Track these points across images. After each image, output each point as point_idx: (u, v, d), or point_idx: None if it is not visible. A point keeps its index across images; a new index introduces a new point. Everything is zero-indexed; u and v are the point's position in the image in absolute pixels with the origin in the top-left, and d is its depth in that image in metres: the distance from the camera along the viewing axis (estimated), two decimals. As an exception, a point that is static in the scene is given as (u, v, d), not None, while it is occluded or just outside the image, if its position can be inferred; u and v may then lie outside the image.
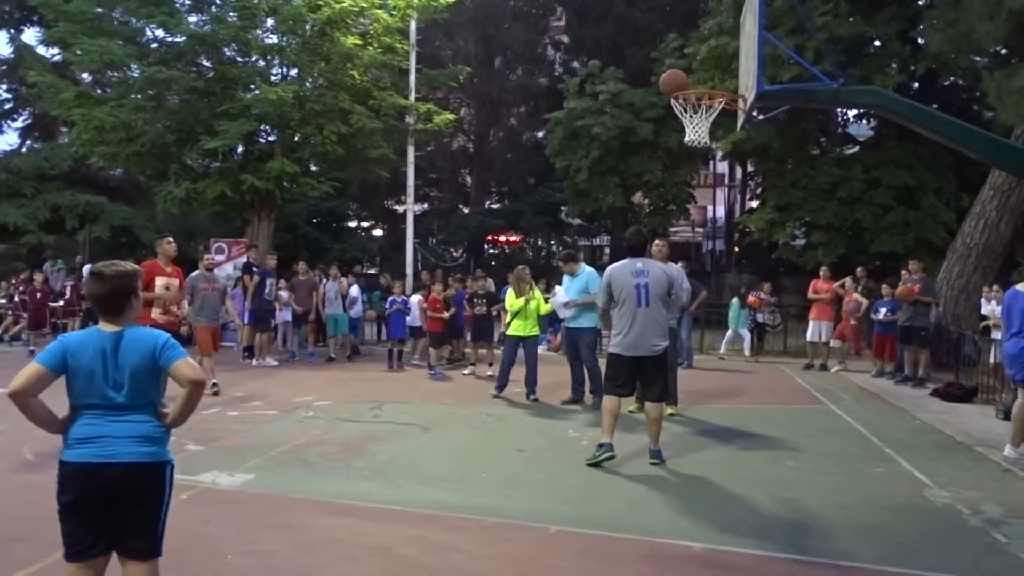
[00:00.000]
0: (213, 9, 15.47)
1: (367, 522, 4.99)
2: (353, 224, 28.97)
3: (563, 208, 25.64)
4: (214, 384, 9.67)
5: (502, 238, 28.13)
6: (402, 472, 6.18)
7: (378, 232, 29.78)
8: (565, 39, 28.15)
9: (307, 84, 15.86)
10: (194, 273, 9.94)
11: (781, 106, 10.28)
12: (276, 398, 9.56)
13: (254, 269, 12.88)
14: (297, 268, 14.12)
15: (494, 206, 28.99)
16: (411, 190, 17.34)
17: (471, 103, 28.27)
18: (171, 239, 8.44)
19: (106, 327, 3.09)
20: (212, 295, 9.95)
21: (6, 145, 27.42)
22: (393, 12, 16.03)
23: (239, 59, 16.00)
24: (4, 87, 25.65)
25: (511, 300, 9.80)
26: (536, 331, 9.92)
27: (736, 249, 27.30)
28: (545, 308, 9.98)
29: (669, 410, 8.55)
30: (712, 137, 18.01)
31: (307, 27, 15.31)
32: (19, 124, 26.78)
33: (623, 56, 23.15)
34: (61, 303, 16.40)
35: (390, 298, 13.00)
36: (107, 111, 14.06)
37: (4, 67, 24.65)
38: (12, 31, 24.19)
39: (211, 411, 8.69)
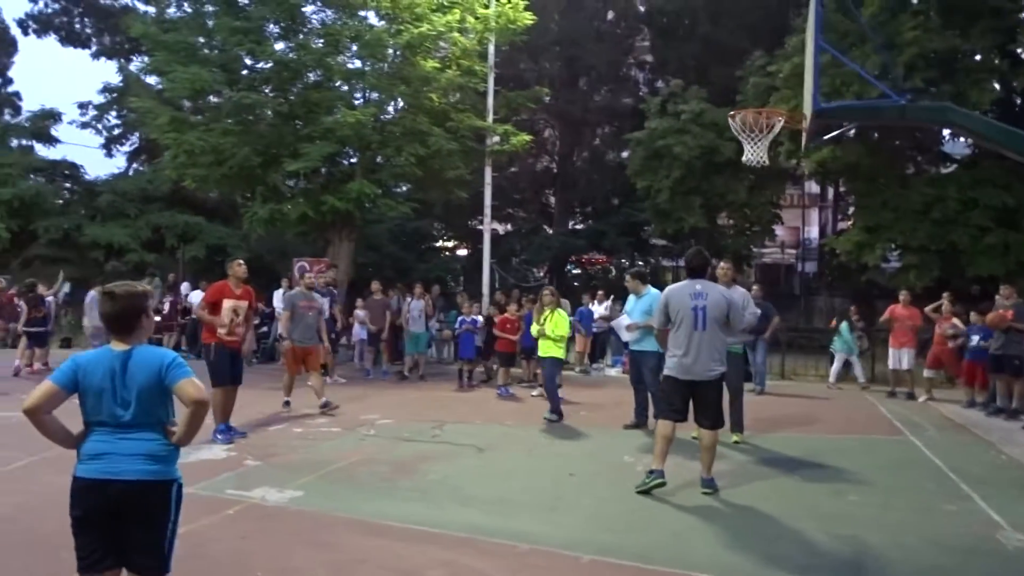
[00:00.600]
0: (300, 36, 15.92)
1: (401, 544, 4.98)
2: (437, 244, 29.34)
3: (646, 229, 25.33)
4: (286, 402, 9.85)
5: (585, 258, 28.02)
6: (447, 493, 6.16)
7: (462, 252, 30.06)
8: (650, 59, 27.94)
9: (387, 107, 16.18)
10: (294, 290, 10.06)
11: (847, 124, 9.88)
12: (342, 416, 9.70)
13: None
14: (372, 287, 14.35)
15: (577, 227, 28.88)
16: (488, 210, 17.45)
17: (555, 124, 28.32)
18: (241, 262, 8.61)
19: (116, 346, 3.18)
20: (310, 313, 10.00)
21: (115, 168, 29.09)
22: (471, 35, 16.24)
23: (324, 83, 16.47)
24: (114, 113, 27.13)
25: (534, 326, 10.14)
26: (552, 351, 9.91)
27: (827, 272, 26.40)
28: (559, 329, 9.90)
29: (734, 437, 8.30)
30: (794, 156, 17.63)
31: (388, 52, 15.65)
32: (127, 148, 28.34)
33: (707, 75, 22.79)
34: (158, 318, 17.21)
35: (460, 318, 13.07)
36: (197, 135, 14.72)
37: (114, 94, 26.09)
38: (121, 60, 25.63)
39: (277, 427, 8.91)
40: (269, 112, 15.27)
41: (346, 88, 16.04)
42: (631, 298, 9.33)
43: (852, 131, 15.61)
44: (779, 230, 28.92)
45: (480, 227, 29.75)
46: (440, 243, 30.01)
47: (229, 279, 8.42)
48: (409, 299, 13.63)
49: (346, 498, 6.00)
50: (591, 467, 7.23)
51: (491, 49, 17.09)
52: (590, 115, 26.68)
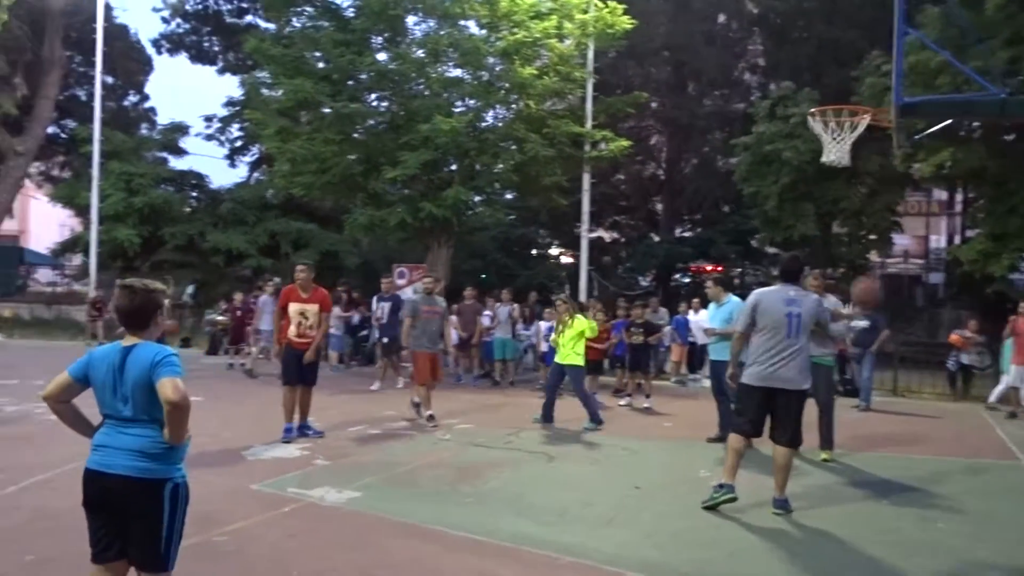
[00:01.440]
0: (400, 47, 16.24)
1: (442, 550, 4.91)
2: (542, 251, 29.30)
3: (756, 236, 24.48)
4: (430, 416, 9.36)
5: (694, 266, 27.31)
6: (505, 501, 6.05)
7: (567, 259, 29.89)
8: (762, 62, 27.04)
9: (484, 115, 16.26)
10: (414, 296, 9.91)
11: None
12: (423, 419, 9.74)
13: (383, 297, 13.20)
14: (464, 293, 14.41)
15: (685, 234, 28.24)
16: (586, 217, 17.28)
17: (662, 130, 27.83)
18: (303, 267, 8.67)
19: (125, 341, 3.23)
20: (433, 319, 9.84)
21: (238, 177, 30.51)
22: (569, 41, 16.14)
23: (424, 92, 16.73)
24: (237, 125, 28.45)
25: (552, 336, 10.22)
26: (571, 359, 9.74)
27: (953, 283, 24.77)
28: (574, 332, 9.75)
29: (823, 455, 7.86)
30: (912, 159, 16.61)
31: (485, 60, 15.74)
32: (248, 159, 29.69)
33: (821, 77, 21.82)
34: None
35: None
36: (299, 144, 15.22)
37: (237, 108, 27.38)
38: (243, 75, 26.86)
39: (355, 428, 9.03)
40: (370, 121, 15.59)
41: (445, 96, 16.20)
42: (711, 306, 9.02)
43: (976, 131, 14.56)
44: (903, 239, 27.39)
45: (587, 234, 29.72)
46: (546, 250, 29.96)
47: (297, 283, 8.59)
48: (497, 305, 13.60)
49: (402, 501, 5.99)
50: (662, 480, 6.96)
51: (590, 55, 16.95)
52: (698, 120, 26.03)
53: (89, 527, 3.16)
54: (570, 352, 9.71)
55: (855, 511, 6.14)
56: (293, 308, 8.44)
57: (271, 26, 20.49)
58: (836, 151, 7.93)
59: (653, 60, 26.20)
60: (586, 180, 17.13)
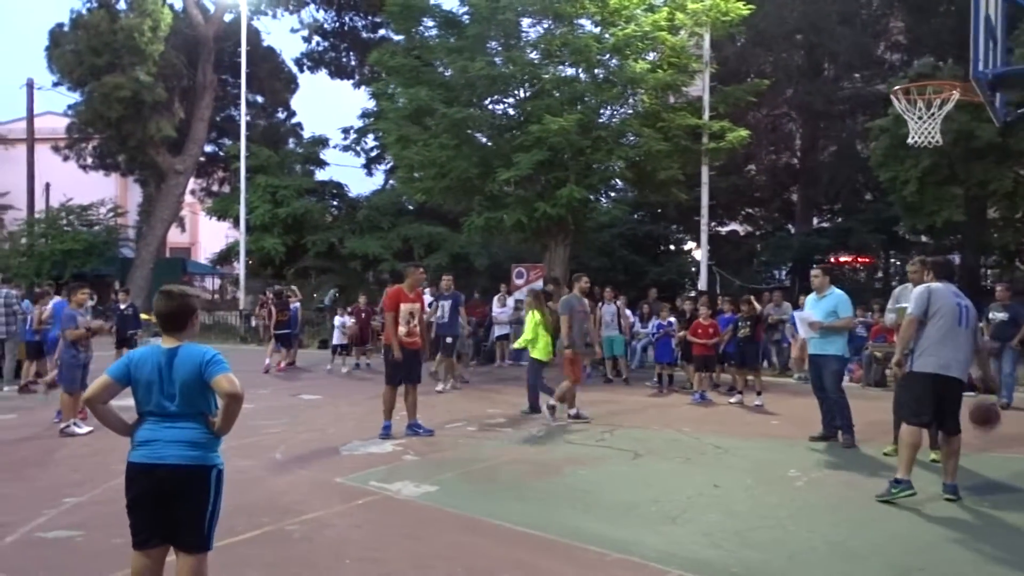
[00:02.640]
0: (512, 50, 16.45)
1: (494, 543, 5.02)
2: (673, 247, 28.78)
3: (900, 225, 23.08)
4: (577, 414, 9.64)
5: (833, 258, 26.06)
6: (573, 497, 6.07)
7: (699, 254, 29.24)
8: (903, 40, 25.43)
9: (601, 112, 16.20)
10: (570, 295, 10.10)
11: None
12: (522, 416, 9.89)
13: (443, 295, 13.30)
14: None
15: (824, 225, 26.99)
16: (705, 210, 16.90)
17: (796, 117, 26.70)
18: (420, 268, 9.01)
19: (166, 342, 3.52)
20: (586, 319, 10.17)
21: (375, 185, 31.79)
22: (682, 32, 15.84)
23: (539, 94, 16.88)
24: (372, 136, 29.65)
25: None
26: (531, 351, 10.03)
27: None
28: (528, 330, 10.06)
29: (931, 455, 7.41)
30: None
31: (595, 56, 15.70)
32: (384, 167, 30.87)
33: (967, 51, 20.25)
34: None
35: (656, 322, 12.79)
36: (415, 151, 15.75)
37: (371, 119, 28.55)
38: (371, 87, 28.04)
39: (455, 425, 9.28)
40: (484, 125, 15.89)
41: (557, 96, 16.29)
42: (811, 297, 8.65)
43: None
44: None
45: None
46: (677, 246, 29.41)
47: (406, 283, 8.89)
48: (600, 303, 13.56)
49: (473, 496, 6.14)
50: (746, 479, 6.75)
51: (706, 44, 16.56)
52: (835, 105, 24.82)
53: (132, 520, 3.43)
54: (531, 344, 10.07)
55: (948, 515, 5.75)
56: (404, 308, 8.73)
57: (402, 38, 21.26)
58: (922, 130, 7.39)
59: (784, 45, 25.19)
60: (705, 173, 16.74)
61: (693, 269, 27.51)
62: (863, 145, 25.88)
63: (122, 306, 13.39)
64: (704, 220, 17.03)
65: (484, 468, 7.09)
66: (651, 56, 16.67)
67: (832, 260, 25.73)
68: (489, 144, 16.02)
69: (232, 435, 8.10)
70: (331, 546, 4.92)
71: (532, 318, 10.12)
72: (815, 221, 27.26)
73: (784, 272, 26.04)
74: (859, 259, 25.92)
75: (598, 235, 24.89)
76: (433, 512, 5.70)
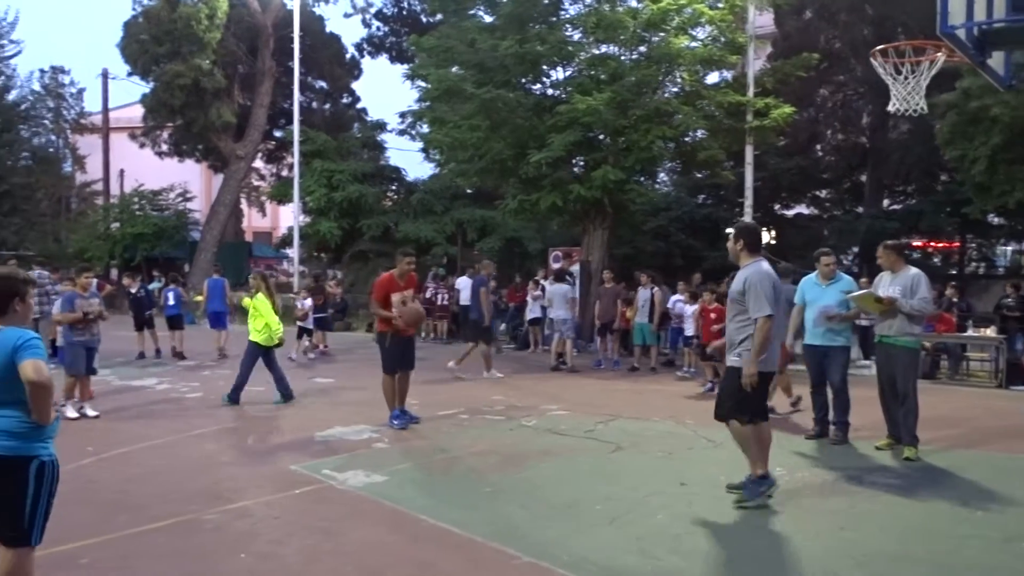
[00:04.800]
0: (538, 28, 15.95)
1: (407, 541, 4.77)
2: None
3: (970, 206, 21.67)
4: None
5: (906, 242, 24.68)
6: (523, 492, 5.77)
7: (764, 237, 28.20)
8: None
9: (636, 91, 15.61)
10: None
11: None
12: (523, 404, 9.60)
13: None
14: (604, 276, 14.01)
15: (894, 207, 25.60)
16: (749, 192, 16.15)
17: (865, 93, 25.30)
18: (409, 258, 8.72)
19: None
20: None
21: (433, 169, 31.71)
22: (722, 4, 15.10)
23: (577, 73, 16.41)
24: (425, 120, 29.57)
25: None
26: (251, 336, 9.69)
27: None
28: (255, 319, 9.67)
29: (906, 452, 6.84)
30: None
31: (631, 32, 15.13)
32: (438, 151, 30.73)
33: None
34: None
35: (674, 299, 12.29)
36: (445, 132, 15.52)
37: (426, 103, 28.46)
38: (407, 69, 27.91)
39: (447, 412, 9.04)
40: (517, 106, 15.48)
41: (590, 75, 15.77)
42: (885, 275, 7.40)
43: None
44: None
45: (784, 212, 27.78)
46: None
47: (395, 272, 8.66)
48: (637, 289, 13.08)
49: (418, 488, 5.92)
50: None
51: (750, 17, 15.77)
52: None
53: None
54: (251, 328, 9.69)
55: (889, 510, 5.21)
56: (395, 297, 8.52)
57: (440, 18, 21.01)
58: (904, 96, 6.67)
59: (852, 18, 23.88)
60: (749, 152, 15.96)
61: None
62: (938, 123, 24.46)
63: (132, 290, 13.63)
64: (748, 202, 16.27)
65: (446, 459, 6.84)
66: (696, 32, 15.99)
67: (906, 243, 24.41)
68: (524, 124, 15.58)
69: (217, 419, 8.18)
70: (237, 538, 4.76)
71: (259, 302, 9.75)
72: (885, 203, 25.89)
73: (851, 257, 24.84)
74: (932, 243, 24.51)
75: (653, 218, 24.25)
76: (365, 504, 5.49)
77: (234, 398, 9.44)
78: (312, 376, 12.17)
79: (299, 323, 14.40)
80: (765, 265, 5.55)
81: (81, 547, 4.54)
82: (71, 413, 8.41)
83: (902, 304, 6.96)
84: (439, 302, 18.29)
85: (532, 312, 15.73)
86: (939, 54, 6.87)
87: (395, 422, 8.20)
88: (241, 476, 6.17)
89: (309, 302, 14.49)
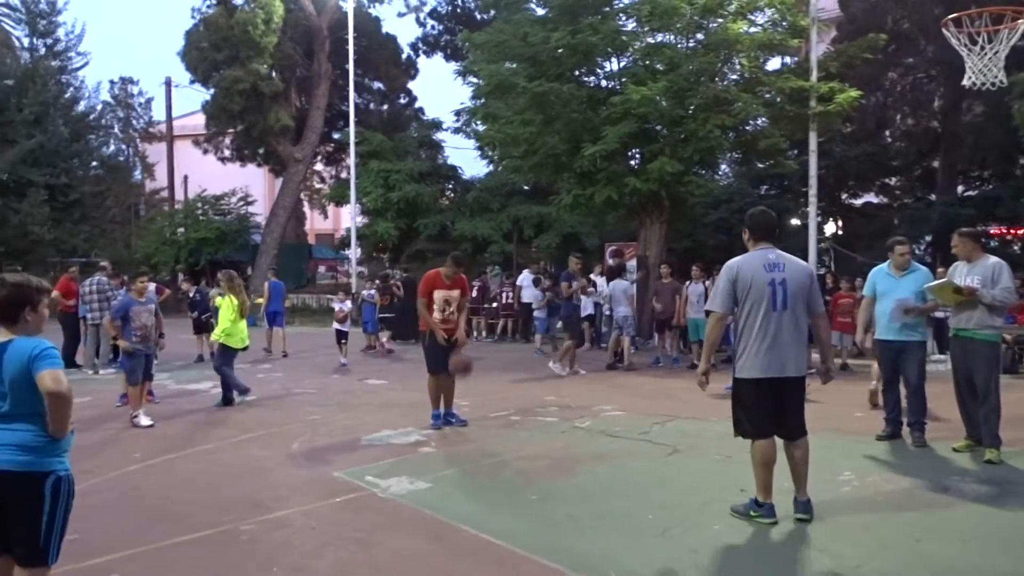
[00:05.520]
0: (592, 19, 15.59)
1: (445, 553, 4.53)
2: (798, 221, 26.96)
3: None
4: None
5: (991, 231, 23.52)
6: (572, 501, 5.47)
7: (830, 228, 27.23)
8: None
9: (693, 80, 15.14)
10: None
11: None
12: (576, 405, 9.31)
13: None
14: (661, 271, 13.61)
15: (969, 193, 24.45)
16: (813, 180, 15.46)
17: (937, 75, 24.19)
18: (451, 258, 8.48)
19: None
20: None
21: (489, 167, 31.52)
22: (780, -14, 14.53)
23: (631, 64, 16.01)
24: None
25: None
26: (220, 339, 9.59)
27: None
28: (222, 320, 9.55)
29: (988, 455, 6.34)
30: None
31: (686, 19, 14.67)
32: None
33: None
34: (495, 304, 18.57)
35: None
36: (497, 128, 15.28)
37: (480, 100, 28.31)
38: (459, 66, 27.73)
39: (498, 414, 8.82)
40: (571, 99, 15.14)
41: (645, 65, 15.34)
42: (960, 265, 6.89)
43: None
44: None
45: (852, 201, 26.80)
46: (803, 220, 27.54)
47: (442, 270, 8.45)
48: (688, 283, 12.64)
49: (463, 496, 5.68)
50: (785, 483, 5.89)
51: (812, -1, 15.14)
52: (980, 59, 22.32)
53: None
54: (219, 331, 9.47)
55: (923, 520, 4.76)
56: (438, 295, 8.33)
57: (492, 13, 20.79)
58: (981, 69, 6.09)
59: (922, -3, 22.85)
60: (813, 139, 15.30)
61: (822, 244, 25.73)
62: (1015, 103, 23.24)
63: (190, 294, 13.72)
64: (812, 191, 15.60)
65: (493, 464, 6.59)
66: (755, 16, 15.44)
67: (983, 231, 23.30)
68: (578, 117, 15.25)
69: (265, 423, 8.09)
70: (272, 550, 4.59)
71: (228, 303, 9.59)
72: (959, 190, 24.75)
73: (923, 246, 23.80)
74: (1013, 230, 23.31)
75: (714, 211, 23.64)
76: (407, 513, 5.27)
77: (227, 399, 9.49)
78: (364, 377, 12.06)
79: (336, 326, 13.93)
80: (748, 255, 5.03)
81: (113, 560, 4.41)
82: (145, 421, 8.29)
83: (983, 294, 6.46)
84: (504, 300, 18.12)
85: (586, 309, 15.37)
86: (1020, 20, 6.28)
87: (433, 422, 8.02)
88: (284, 483, 6.02)
89: (349, 304, 14.23)
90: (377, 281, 17.25)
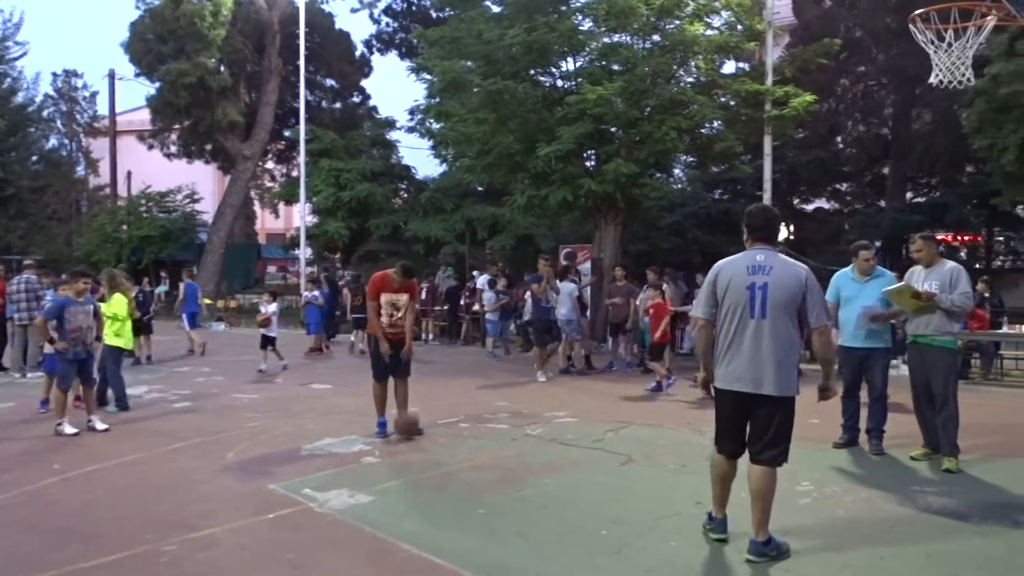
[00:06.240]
0: (550, 17, 15.34)
1: (381, 574, 4.19)
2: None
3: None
4: None
5: (939, 236, 23.85)
6: (522, 515, 5.18)
7: (783, 233, 27.41)
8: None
9: (649, 81, 14.98)
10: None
11: None
12: (528, 411, 9.02)
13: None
14: (616, 274, 13.40)
15: (918, 200, 24.79)
16: (768, 184, 15.41)
17: (888, 83, 24.48)
18: (400, 267, 8.09)
19: None
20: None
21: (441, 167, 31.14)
22: (737, -12, 14.46)
23: (587, 64, 15.80)
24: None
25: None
26: (108, 339, 9.02)
27: None
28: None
29: (946, 463, 6.22)
30: None
31: (643, 19, 14.50)
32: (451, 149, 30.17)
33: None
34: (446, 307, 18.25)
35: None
36: (449, 126, 14.95)
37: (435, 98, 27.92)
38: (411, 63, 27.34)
39: (447, 421, 8.47)
40: (526, 98, 14.87)
41: (601, 65, 15.14)
42: (917, 269, 6.73)
43: None
44: None
45: (803, 206, 26.99)
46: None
47: (389, 272, 8.07)
48: (647, 287, 12.44)
49: (406, 510, 5.34)
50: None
51: (769, 1, 15.07)
52: (928, 68, 22.58)
53: None
54: (108, 331, 9.00)
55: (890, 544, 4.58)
56: (384, 298, 7.95)
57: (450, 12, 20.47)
58: (946, 68, 5.97)
59: (873, 4, 23.11)
60: (767, 143, 15.26)
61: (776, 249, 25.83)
62: (963, 111, 23.64)
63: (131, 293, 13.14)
64: (767, 195, 15.55)
65: (440, 475, 6.25)
66: (711, 19, 15.36)
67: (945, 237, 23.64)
68: (533, 117, 14.97)
69: (201, 430, 7.65)
70: (193, 574, 4.20)
71: (118, 301, 9.21)
72: (909, 196, 25.10)
73: (874, 252, 24.08)
74: (959, 237, 23.69)
75: (669, 214, 23.60)
76: (344, 530, 4.91)
77: (123, 405, 9.11)
78: (307, 382, 11.62)
79: (261, 330, 12.99)
80: (735, 256, 4.57)
81: (12, 587, 4.00)
82: (69, 430, 7.73)
83: (942, 300, 6.32)
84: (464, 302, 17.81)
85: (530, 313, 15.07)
86: (989, 17, 6.16)
87: (378, 430, 7.66)
88: (214, 497, 5.62)
89: (274, 307, 13.36)
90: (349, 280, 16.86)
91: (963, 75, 6.28)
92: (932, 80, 6.74)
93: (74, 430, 7.77)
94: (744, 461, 4.55)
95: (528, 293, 14.80)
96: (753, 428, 4.47)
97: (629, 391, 10.70)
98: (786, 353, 4.36)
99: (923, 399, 6.62)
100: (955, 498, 5.55)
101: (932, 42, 6.19)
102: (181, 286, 15.98)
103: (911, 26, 6.42)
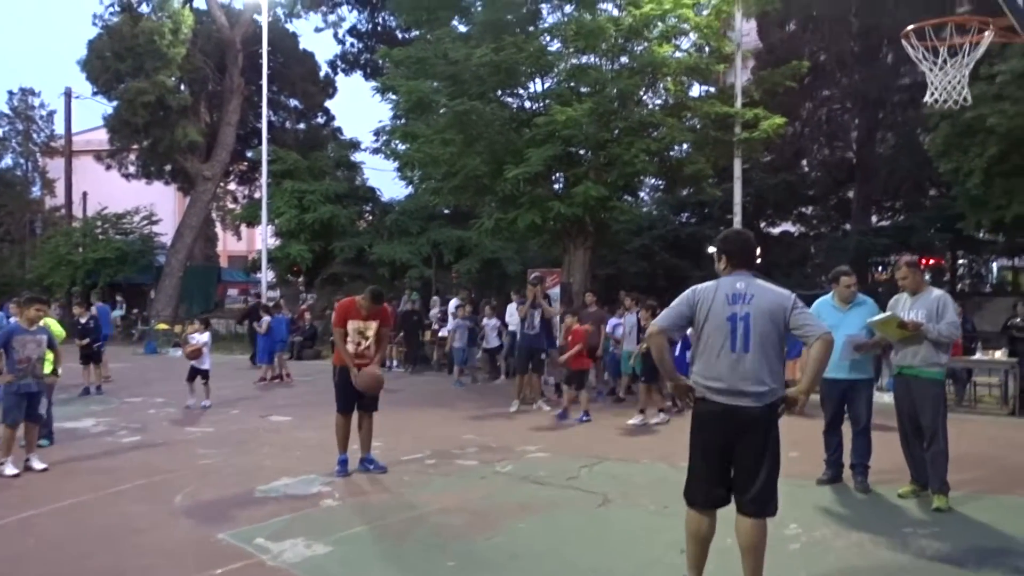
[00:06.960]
0: (532, 37, 15.15)
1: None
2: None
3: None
4: None
5: (896, 259, 24.02)
6: (493, 565, 4.79)
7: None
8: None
9: (618, 102, 14.79)
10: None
11: None
12: (497, 445, 8.63)
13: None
14: (586, 299, 13.10)
15: (883, 223, 24.94)
16: (737, 207, 15.33)
17: (852, 107, 24.67)
18: (369, 292, 7.73)
19: None
20: None
21: (410, 189, 30.75)
22: (707, 11, 14.33)
23: (557, 85, 15.59)
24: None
25: None
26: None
27: None
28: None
29: (936, 502, 5.95)
30: None
31: (611, 40, 14.33)
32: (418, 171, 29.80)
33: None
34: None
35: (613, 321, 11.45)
36: (415, 147, 14.62)
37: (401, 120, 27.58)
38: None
39: (411, 457, 8.04)
40: (494, 119, 14.60)
41: (570, 86, 14.94)
42: (903, 297, 6.44)
43: None
44: None
45: (770, 230, 27.03)
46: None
47: (357, 299, 7.67)
48: (622, 312, 12.16)
49: (366, 563, 4.92)
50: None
51: (737, 23, 15.03)
52: (893, 94, 22.83)
53: None
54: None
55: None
56: (351, 326, 7.53)
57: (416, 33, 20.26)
58: (945, 85, 5.80)
59: (837, 29, 23.28)
60: (737, 166, 15.16)
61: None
62: (926, 135, 23.85)
63: (82, 320, 12.59)
64: (737, 219, 15.42)
65: (405, 520, 5.83)
66: (680, 41, 15.23)
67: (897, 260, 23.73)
68: (500, 139, 14.69)
69: (149, 469, 7.15)
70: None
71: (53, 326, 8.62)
72: (874, 219, 25.24)
73: (855, 278, 24.13)
74: (924, 260, 23.81)
75: (637, 237, 23.47)
76: (301, 589, 4.49)
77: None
78: (267, 414, 11.10)
79: (191, 362, 11.68)
80: (714, 282, 4.17)
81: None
82: (9, 471, 7.14)
83: (929, 330, 6.07)
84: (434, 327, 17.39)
85: (491, 341, 14.71)
86: (986, 32, 6.01)
87: (338, 468, 7.22)
88: (156, 548, 5.15)
89: (206, 336, 12.03)
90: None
91: (960, 94, 6.09)
92: (927, 99, 6.57)
93: (15, 471, 7.20)
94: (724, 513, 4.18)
95: (486, 319, 14.53)
96: (739, 470, 4.08)
97: (600, 422, 10.34)
98: (769, 388, 4.01)
99: (910, 432, 6.36)
100: (948, 541, 5.27)
101: (925, 58, 5.99)
102: (93, 309, 13.91)
103: (904, 41, 6.21)
